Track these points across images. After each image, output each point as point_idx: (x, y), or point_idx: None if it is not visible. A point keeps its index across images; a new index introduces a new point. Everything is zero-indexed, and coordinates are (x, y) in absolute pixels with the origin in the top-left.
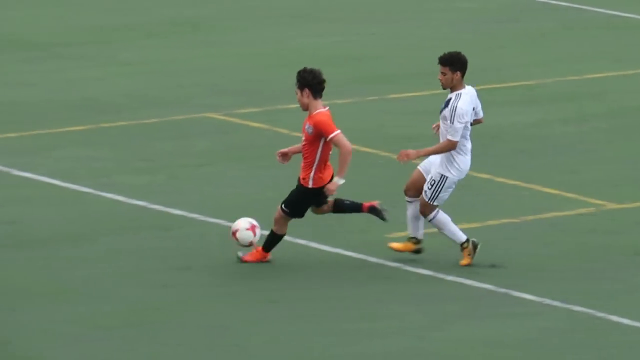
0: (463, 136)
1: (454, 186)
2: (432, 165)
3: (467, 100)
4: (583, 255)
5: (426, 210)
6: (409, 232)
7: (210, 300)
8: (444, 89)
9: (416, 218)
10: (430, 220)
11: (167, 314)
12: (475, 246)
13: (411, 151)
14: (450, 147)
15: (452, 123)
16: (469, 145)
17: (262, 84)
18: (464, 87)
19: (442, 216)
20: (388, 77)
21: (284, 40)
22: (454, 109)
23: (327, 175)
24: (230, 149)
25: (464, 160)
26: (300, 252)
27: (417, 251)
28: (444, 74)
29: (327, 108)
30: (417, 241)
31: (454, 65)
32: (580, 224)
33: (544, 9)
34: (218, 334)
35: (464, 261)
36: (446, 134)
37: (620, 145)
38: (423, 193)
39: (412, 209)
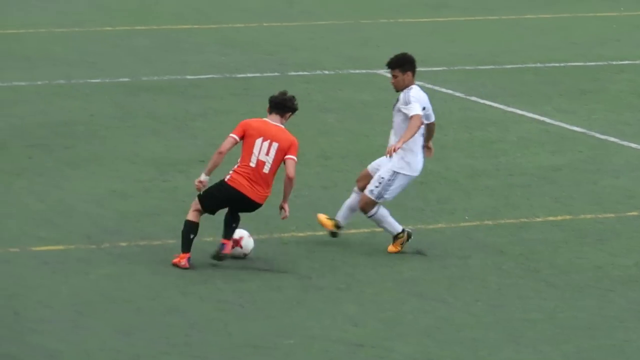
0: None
1: (405, 185)
2: (381, 165)
3: (418, 91)
4: None
5: (367, 207)
6: (338, 216)
7: None
8: (397, 91)
9: (351, 210)
10: (370, 216)
11: None
12: (409, 236)
13: (394, 145)
14: (417, 122)
15: (410, 103)
16: (420, 142)
17: None
18: (414, 84)
19: (382, 211)
20: None
21: None
22: (408, 97)
23: (242, 181)
24: None
25: (415, 159)
26: None
27: (334, 234)
28: (395, 76)
29: (262, 119)
30: (338, 226)
31: (404, 66)
32: None
33: None
34: None
35: (393, 248)
36: (401, 123)
37: None
38: (368, 192)
39: (352, 198)
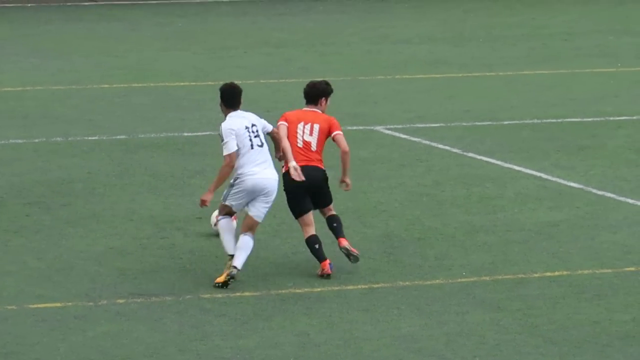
0: None
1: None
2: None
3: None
4: None
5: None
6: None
7: None
8: None
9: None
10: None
11: None
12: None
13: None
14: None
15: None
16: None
17: None
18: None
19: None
20: None
21: None
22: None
23: (299, 161)
24: None
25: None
26: None
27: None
28: None
29: (299, 109)
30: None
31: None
32: None
33: None
34: None
35: (221, 278)
36: None
37: None
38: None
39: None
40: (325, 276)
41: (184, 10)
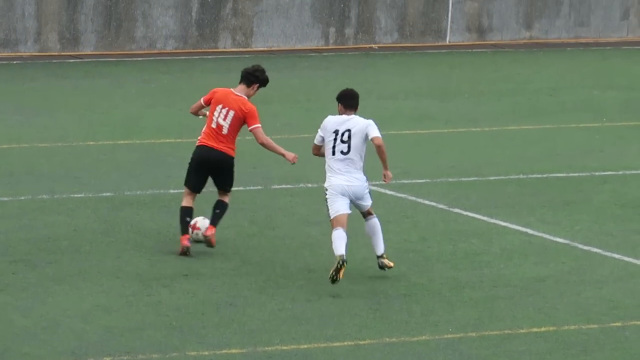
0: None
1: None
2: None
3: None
4: None
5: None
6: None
7: None
8: None
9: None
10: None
11: None
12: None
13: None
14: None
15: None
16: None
17: None
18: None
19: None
20: None
21: None
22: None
23: (208, 139)
24: None
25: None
26: None
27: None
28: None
29: (229, 88)
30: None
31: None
32: None
33: None
34: None
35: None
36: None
37: None
38: (370, 204)
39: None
40: (184, 251)
41: (169, 66)
